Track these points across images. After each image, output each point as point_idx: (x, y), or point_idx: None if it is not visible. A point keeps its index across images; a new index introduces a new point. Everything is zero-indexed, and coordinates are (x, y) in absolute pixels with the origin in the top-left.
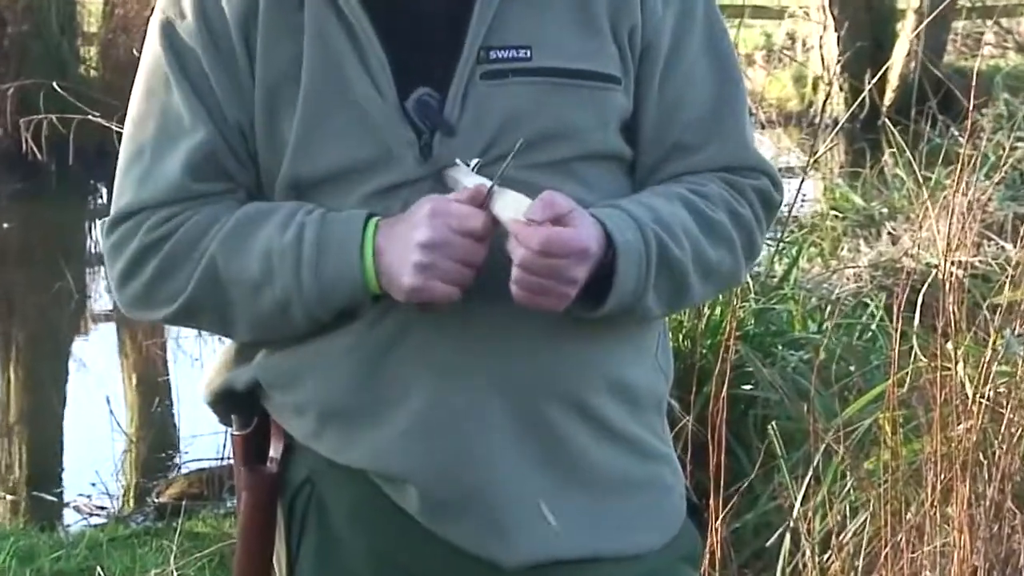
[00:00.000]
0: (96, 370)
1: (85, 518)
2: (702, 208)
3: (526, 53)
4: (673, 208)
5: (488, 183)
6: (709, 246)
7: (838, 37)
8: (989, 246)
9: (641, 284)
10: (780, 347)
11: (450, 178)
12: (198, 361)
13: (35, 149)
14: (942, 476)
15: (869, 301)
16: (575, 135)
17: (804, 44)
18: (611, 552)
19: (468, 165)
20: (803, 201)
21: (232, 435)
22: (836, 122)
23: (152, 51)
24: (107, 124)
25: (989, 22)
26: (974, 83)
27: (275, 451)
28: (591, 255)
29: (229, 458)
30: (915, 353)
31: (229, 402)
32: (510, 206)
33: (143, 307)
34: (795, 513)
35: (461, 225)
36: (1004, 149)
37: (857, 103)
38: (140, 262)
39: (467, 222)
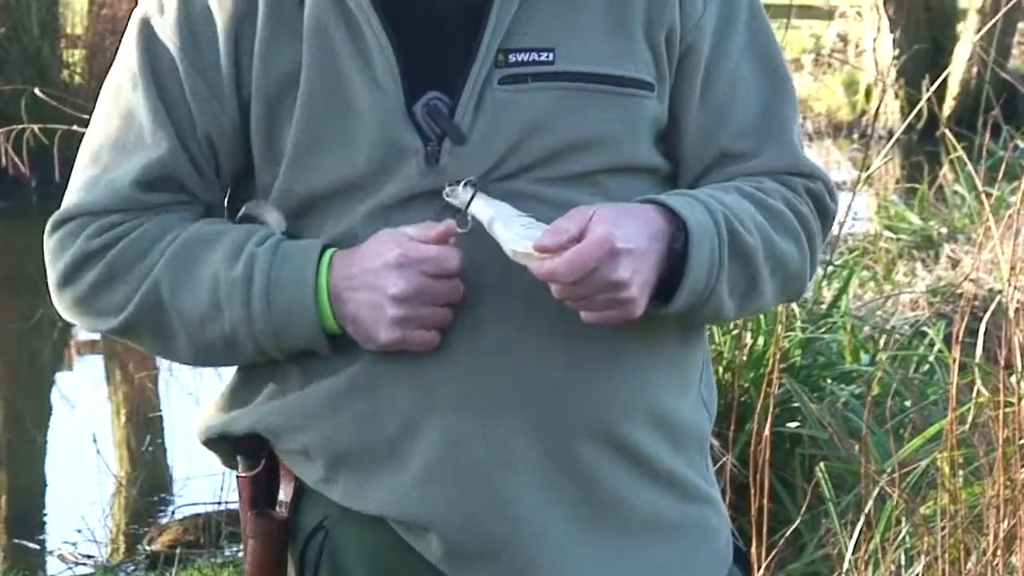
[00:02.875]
0: (82, 405)
1: (70, 567)
2: (763, 198)
3: (548, 56)
4: (734, 197)
5: (497, 204)
6: (776, 235)
7: (893, 39)
8: None
9: (714, 273)
10: (829, 380)
11: (455, 200)
12: (192, 395)
13: (15, 162)
14: (1005, 522)
15: (927, 330)
16: (602, 145)
17: (856, 47)
18: None
19: (460, 184)
20: (854, 220)
21: (237, 477)
22: (891, 133)
23: (127, 49)
24: None
25: None
26: None
27: (285, 494)
28: (618, 248)
29: (227, 502)
30: (977, 387)
31: (231, 444)
32: (518, 241)
33: (80, 315)
34: (846, 564)
35: (437, 268)
36: None
37: (914, 113)
38: (80, 268)
39: (443, 264)
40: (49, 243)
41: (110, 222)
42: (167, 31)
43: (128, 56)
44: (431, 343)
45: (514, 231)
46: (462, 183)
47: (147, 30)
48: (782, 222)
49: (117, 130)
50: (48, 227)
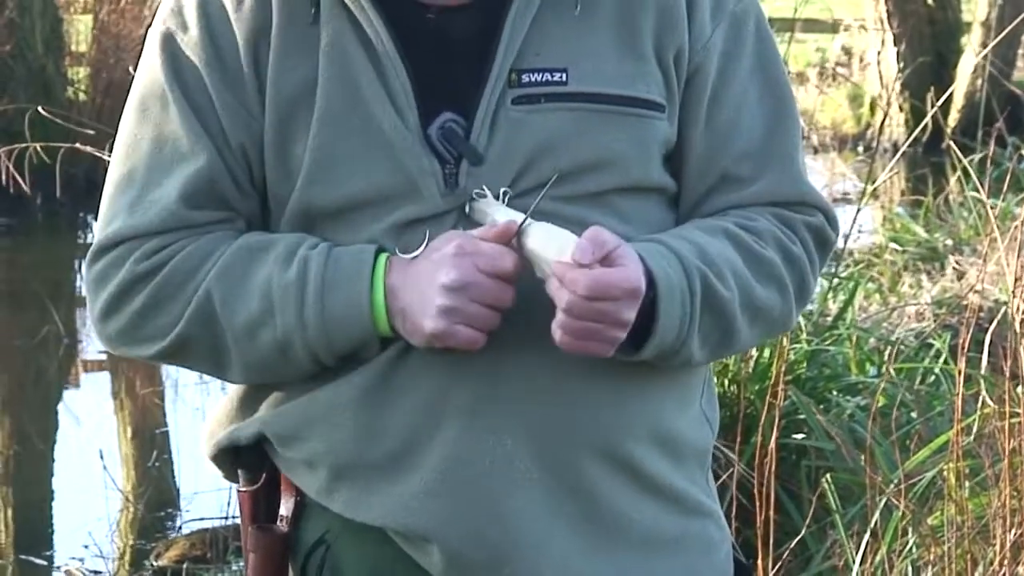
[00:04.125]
0: (88, 421)
1: None
2: (750, 244)
3: (561, 76)
4: (719, 244)
5: (520, 216)
6: (758, 286)
7: (898, 52)
8: None
9: (685, 327)
10: (835, 392)
11: (478, 211)
12: (199, 411)
13: (19, 181)
14: (1012, 532)
15: (932, 342)
16: (614, 165)
17: (861, 60)
18: None
19: (495, 196)
20: (860, 232)
21: (238, 492)
22: (896, 146)
23: (149, 66)
24: (98, 153)
25: None
26: None
27: (286, 509)
28: (641, 295)
29: (234, 516)
30: (982, 398)
31: (234, 456)
32: (552, 244)
33: (127, 343)
34: (853, 574)
35: (490, 266)
36: None
37: (920, 126)
38: (127, 294)
39: (497, 262)
40: (91, 274)
41: (157, 245)
42: (192, 46)
43: (152, 75)
44: (476, 343)
45: (548, 233)
46: (501, 193)
47: (171, 47)
48: (767, 270)
49: (150, 150)
50: (89, 257)
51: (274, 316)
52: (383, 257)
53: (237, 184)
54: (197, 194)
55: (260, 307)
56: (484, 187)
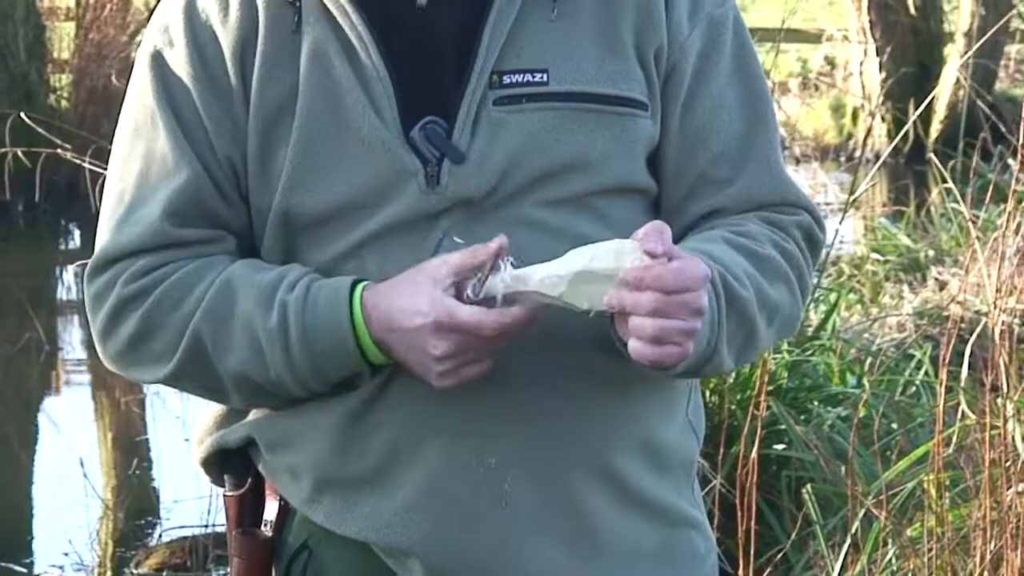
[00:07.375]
0: (68, 429)
1: None
2: (749, 246)
3: (542, 77)
4: (723, 249)
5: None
6: (766, 283)
7: (880, 63)
8: None
9: (715, 330)
10: (816, 403)
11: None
12: (179, 419)
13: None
14: (992, 544)
15: (913, 352)
16: (597, 166)
17: (843, 70)
18: None
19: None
20: (842, 243)
21: (224, 496)
22: (878, 156)
23: (139, 85)
24: (79, 160)
25: None
26: None
27: (270, 513)
28: (709, 280)
29: (214, 524)
30: (963, 410)
31: (221, 461)
32: (603, 259)
33: (125, 367)
34: None
35: (473, 338)
36: None
37: (901, 135)
38: (119, 317)
39: (479, 332)
40: (88, 294)
41: (144, 266)
42: (179, 61)
43: (142, 93)
44: (486, 371)
45: (600, 250)
46: (492, 269)
47: (159, 63)
48: (772, 268)
49: (140, 168)
50: (85, 278)
51: (264, 361)
52: (358, 293)
53: (224, 196)
54: (182, 210)
55: (250, 351)
56: (455, 239)
